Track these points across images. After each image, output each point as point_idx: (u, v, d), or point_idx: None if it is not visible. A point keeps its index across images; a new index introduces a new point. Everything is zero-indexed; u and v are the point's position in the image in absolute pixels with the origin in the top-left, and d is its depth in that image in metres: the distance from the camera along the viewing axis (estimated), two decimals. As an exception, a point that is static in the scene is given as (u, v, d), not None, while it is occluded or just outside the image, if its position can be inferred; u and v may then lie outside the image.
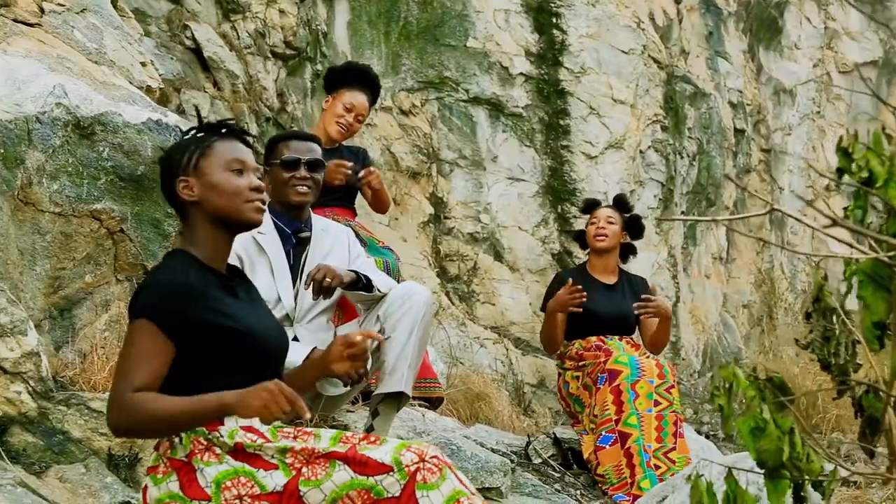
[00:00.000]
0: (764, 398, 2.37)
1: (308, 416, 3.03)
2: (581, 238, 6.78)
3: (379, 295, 4.67)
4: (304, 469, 2.99)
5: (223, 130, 3.26)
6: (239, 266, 4.53)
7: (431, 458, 3.05)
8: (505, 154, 9.04)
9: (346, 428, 5.02)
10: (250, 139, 3.34)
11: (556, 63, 9.35)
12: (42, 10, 5.14)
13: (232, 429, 3.04)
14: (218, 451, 3.00)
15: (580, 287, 6.16)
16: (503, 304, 8.76)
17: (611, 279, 6.55)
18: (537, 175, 9.11)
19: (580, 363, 6.24)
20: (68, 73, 4.79)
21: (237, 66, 7.46)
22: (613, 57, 9.60)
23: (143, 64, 5.56)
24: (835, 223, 1.91)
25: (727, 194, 10.74)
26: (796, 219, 2.16)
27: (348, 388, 4.54)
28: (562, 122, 9.27)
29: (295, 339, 4.62)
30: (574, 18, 9.44)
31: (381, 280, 4.72)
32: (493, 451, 5.24)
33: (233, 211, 3.20)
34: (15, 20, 4.96)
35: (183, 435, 3.02)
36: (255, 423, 3.08)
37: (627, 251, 6.70)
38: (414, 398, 5.67)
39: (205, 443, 3.01)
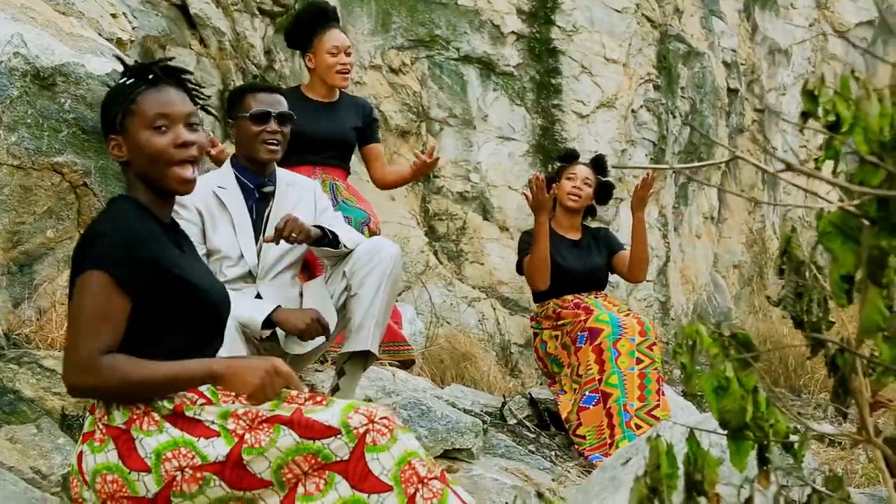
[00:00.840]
0: (728, 356, 2.28)
1: (306, 392, 2.90)
2: (550, 184, 6.33)
3: (345, 251, 4.54)
4: (247, 435, 2.83)
5: (150, 77, 3.01)
6: (199, 222, 4.43)
7: (381, 419, 2.89)
8: (495, 113, 8.93)
9: (312, 388, 4.91)
10: (188, 77, 3.10)
11: (547, 21, 9.23)
12: (8, -40, 5.01)
13: None
14: (157, 416, 2.85)
15: (535, 175, 6.14)
16: (492, 263, 8.68)
17: (576, 235, 6.44)
18: (528, 134, 9.02)
19: (558, 322, 6.14)
20: (32, 24, 4.66)
21: (224, 23, 7.32)
22: (606, 15, 9.50)
23: (114, 15, 5.43)
24: (789, 167, 1.80)
25: (720, 153, 10.64)
26: (755, 164, 2.05)
27: (313, 345, 4.44)
28: (553, 81, 9.17)
29: (258, 296, 4.49)
30: (567, -23, 9.32)
31: (347, 235, 4.58)
32: (466, 411, 5.14)
33: (157, 175, 2.99)
34: (-21, -30, 4.83)
35: None
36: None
37: (588, 212, 6.58)
38: (383, 361, 5.55)
39: (143, 407, 2.85)
